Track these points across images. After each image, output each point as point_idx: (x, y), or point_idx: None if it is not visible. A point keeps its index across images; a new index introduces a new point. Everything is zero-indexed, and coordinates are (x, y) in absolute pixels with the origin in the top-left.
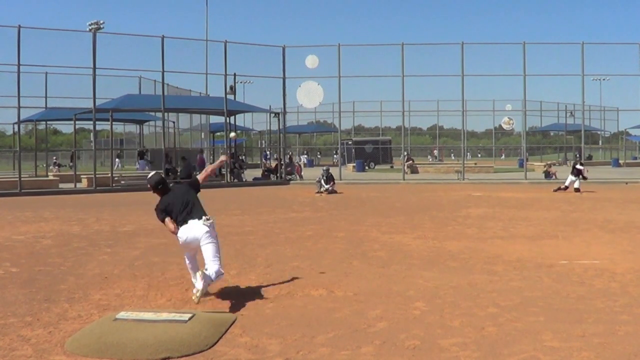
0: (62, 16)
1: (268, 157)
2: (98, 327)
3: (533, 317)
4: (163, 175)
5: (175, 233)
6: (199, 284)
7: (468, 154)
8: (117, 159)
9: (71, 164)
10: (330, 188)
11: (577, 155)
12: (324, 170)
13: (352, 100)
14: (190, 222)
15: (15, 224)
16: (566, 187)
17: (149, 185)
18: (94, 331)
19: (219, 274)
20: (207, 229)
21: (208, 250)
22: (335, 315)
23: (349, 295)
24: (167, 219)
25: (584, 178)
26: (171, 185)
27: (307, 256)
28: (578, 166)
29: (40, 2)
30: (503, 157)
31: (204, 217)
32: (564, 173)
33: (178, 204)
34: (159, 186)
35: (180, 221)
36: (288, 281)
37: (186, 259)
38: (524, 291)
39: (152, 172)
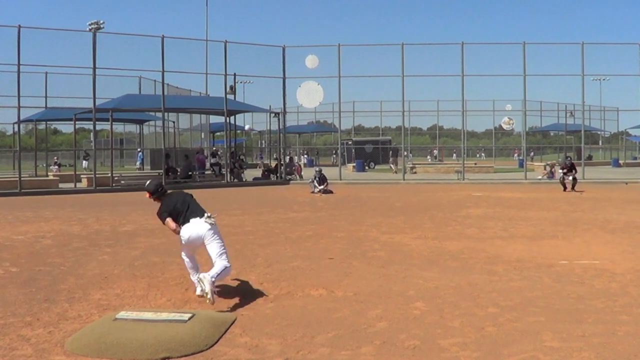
0: (62, 16)
1: (262, 157)
2: (98, 327)
3: (533, 317)
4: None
5: (177, 232)
6: (206, 287)
7: (483, 155)
8: (84, 161)
9: (84, 161)
10: (324, 188)
11: (568, 158)
12: (316, 171)
13: (352, 100)
14: (192, 220)
15: (15, 224)
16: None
17: (147, 191)
18: (94, 331)
19: (227, 270)
20: (209, 226)
21: (214, 248)
22: (335, 315)
23: (349, 295)
24: (168, 219)
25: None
26: (168, 191)
27: (307, 256)
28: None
29: (40, 2)
30: (516, 157)
31: (205, 215)
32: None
33: (180, 205)
34: (159, 189)
35: (182, 221)
36: (288, 281)
37: (185, 258)
38: (524, 291)
39: (150, 180)
